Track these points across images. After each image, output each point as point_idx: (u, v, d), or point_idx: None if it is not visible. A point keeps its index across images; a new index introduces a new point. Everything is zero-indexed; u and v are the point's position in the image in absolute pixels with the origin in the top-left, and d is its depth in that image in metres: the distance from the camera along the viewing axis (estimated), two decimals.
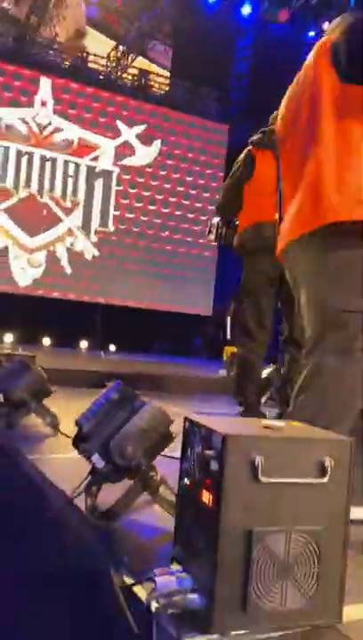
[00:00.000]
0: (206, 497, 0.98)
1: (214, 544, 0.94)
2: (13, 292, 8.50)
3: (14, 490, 1.89)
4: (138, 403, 1.51)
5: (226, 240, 3.42)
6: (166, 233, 9.64)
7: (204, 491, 0.99)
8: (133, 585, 1.05)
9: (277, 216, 1.75)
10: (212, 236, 3.50)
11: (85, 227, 9.10)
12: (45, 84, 8.88)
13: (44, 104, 8.84)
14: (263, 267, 3.12)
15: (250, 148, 3.38)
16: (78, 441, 1.56)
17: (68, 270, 8.93)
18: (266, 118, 3.33)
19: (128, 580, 1.09)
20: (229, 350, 6.95)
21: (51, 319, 8.45)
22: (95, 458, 1.46)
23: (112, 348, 9.04)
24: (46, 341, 8.68)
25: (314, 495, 0.98)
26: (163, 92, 9.98)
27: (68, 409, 2.95)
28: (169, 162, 9.73)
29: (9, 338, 8.12)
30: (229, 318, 8.02)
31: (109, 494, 1.50)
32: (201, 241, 9.73)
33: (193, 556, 1.02)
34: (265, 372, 4.98)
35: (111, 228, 9.29)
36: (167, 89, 10.12)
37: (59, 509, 1.50)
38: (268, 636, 0.95)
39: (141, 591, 1.04)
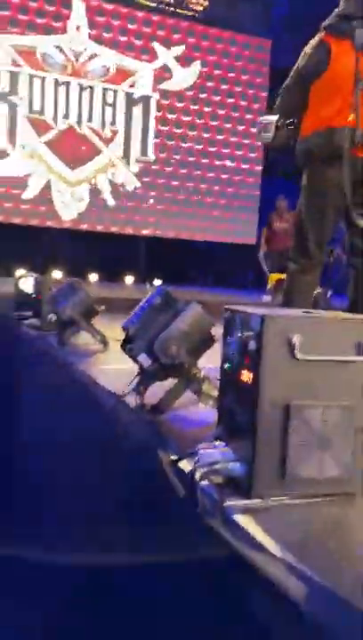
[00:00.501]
0: (246, 376, 1.03)
1: (254, 418, 1.00)
2: (58, 226, 8.59)
3: (69, 393, 2.02)
4: (180, 305, 1.56)
5: (285, 143, 2.88)
6: (207, 160, 9.41)
7: (243, 370, 1.04)
8: (179, 459, 1.13)
9: (351, 119, 1.53)
10: (268, 135, 2.89)
11: (126, 156, 8.97)
12: (79, 6, 8.55)
13: (78, 29, 8.55)
14: (333, 177, 2.63)
15: (322, 35, 2.77)
16: (125, 343, 1.64)
17: (111, 202, 8.91)
18: (310, 32, 2.95)
19: (174, 456, 1.18)
20: (274, 277, 6.91)
21: (96, 253, 8.54)
22: (141, 357, 1.54)
23: (157, 281, 9.11)
24: (93, 277, 8.82)
25: (350, 373, 1.01)
26: (201, 9, 9.43)
27: (115, 330, 3.05)
28: (209, 84, 9.34)
29: (57, 274, 8.30)
30: (261, 251, 8.06)
31: (157, 393, 1.58)
32: (244, 166, 9.46)
33: (235, 432, 1.08)
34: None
35: (152, 157, 9.12)
36: (206, 4, 9.56)
37: (110, 405, 1.60)
38: (305, 501, 1.02)
39: (186, 465, 1.12)
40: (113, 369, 2.20)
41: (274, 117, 2.87)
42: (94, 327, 2.83)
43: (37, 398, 2.65)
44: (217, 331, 1.61)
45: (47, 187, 8.50)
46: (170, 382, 1.59)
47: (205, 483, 1.02)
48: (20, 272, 8.12)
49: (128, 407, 1.59)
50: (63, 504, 1.92)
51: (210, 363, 1.60)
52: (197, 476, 1.00)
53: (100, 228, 8.75)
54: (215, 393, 1.57)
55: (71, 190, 8.63)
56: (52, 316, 2.85)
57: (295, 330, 0.98)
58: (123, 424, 1.46)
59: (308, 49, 2.81)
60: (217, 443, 1.11)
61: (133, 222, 8.94)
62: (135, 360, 1.59)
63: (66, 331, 2.79)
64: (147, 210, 8.91)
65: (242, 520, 0.94)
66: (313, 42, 2.79)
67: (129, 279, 8.99)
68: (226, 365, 1.13)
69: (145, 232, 8.92)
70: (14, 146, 8.32)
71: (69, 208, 8.68)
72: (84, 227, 8.68)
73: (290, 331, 0.97)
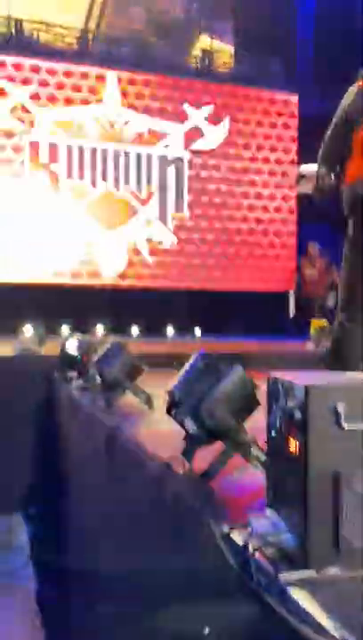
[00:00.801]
0: (293, 445, 1.04)
1: (304, 488, 0.99)
2: (100, 284, 8.86)
3: (115, 461, 2.04)
4: (224, 368, 1.58)
5: (328, 192, 2.83)
6: (241, 213, 9.61)
7: (290, 440, 1.05)
8: (231, 530, 1.13)
9: None
10: (307, 186, 2.89)
11: (162, 215, 9.27)
12: (112, 78, 9.10)
13: (112, 99, 9.08)
14: None
15: (361, 82, 2.81)
16: (171, 408, 1.66)
17: (150, 260, 9.16)
18: (335, 83, 3.04)
19: (226, 527, 1.17)
20: (316, 324, 6.87)
21: (137, 309, 8.72)
22: (187, 422, 1.56)
23: (198, 332, 9.17)
24: (134, 331, 8.97)
25: None
26: (227, 70, 9.87)
27: (160, 388, 3.09)
28: (239, 140, 9.65)
29: (100, 329, 8.50)
30: (292, 292, 8.09)
31: (205, 458, 1.59)
32: (278, 216, 9.60)
33: (285, 502, 1.08)
34: None
35: (186, 213, 9.39)
36: (231, 65, 10.01)
37: (157, 472, 1.61)
38: (360, 573, 0.99)
39: (238, 536, 1.12)
40: (159, 432, 2.22)
41: (314, 167, 2.85)
42: (139, 387, 2.88)
43: (84, 465, 2.68)
44: (262, 388, 1.62)
45: (89, 247, 8.84)
46: (217, 447, 1.60)
47: (258, 556, 1.02)
48: (64, 330, 8.37)
49: (176, 473, 1.60)
50: (111, 576, 1.91)
51: (256, 424, 1.60)
52: (251, 548, 1.00)
53: (139, 284, 8.97)
54: (263, 457, 1.56)
55: (111, 250, 8.94)
56: (98, 378, 2.92)
57: (340, 398, 0.99)
58: (171, 491, 1.47)
59: (347, 97, 2.82)
60: (269, 512, 1.11)
61: (172, 277, 9.13)
62: (182, 425, 1.61)
63: (111, 392, 2.84)
64: (184, 264, 9.11)
65: (297, 594, 0.93)
66: (353, 89, 2.82)
67: (170, 331, 9.10)
68: (272, 433, 1.14)
69: (183, 285, 9.08)
70: (56, 212, 8.75)
71: (110, 267, 8.96)
72: (125, 284, 8.93)
73: (335, 399, 0.98)
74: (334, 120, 2.89)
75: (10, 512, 4.30)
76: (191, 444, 1.61)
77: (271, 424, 1.15)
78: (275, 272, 9.58)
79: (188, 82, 9.41)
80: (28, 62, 8.66)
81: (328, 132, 2.93)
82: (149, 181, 9.13)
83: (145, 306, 8.69)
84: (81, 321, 8.27)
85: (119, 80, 9.05)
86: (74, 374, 3.77)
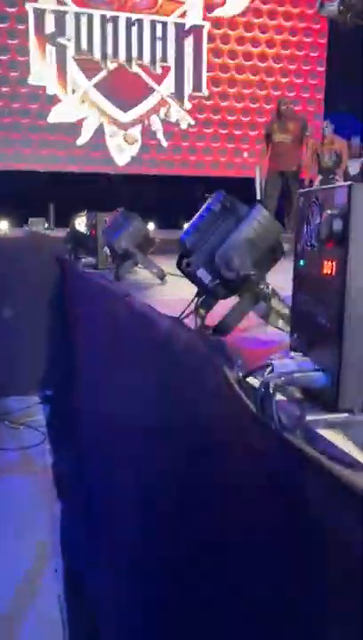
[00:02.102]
0: (328, 267, 0.84)
1: (340, 315, 0.81)
2: (113, 172, 8.43)
3: (124, 319, 1.90)
4: (243, 210, 1.37)
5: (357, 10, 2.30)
6: (265, 92, 8.85)
7: (325, 261, 0.85)
8: (249, 374, 0.97)
9: None
10: (331, 6, 2.27)
11: (178, 93, 8.59)
12: None
13: None
14: None
15: None
16: (181, 259, 1.47)
17: (165, 143, 8.62)
18: None
19: (243, 373, 1.02)
20: None
21: (151, 198, 8.35)
22: (200, 272, 1.37)
23: None
24: (150, 225, 8.66)
25: None
26: None
27: (172, 266, 2.90)
28: (265, 6, 8.68)
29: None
30: (258, 169, 6.52)
31: (219, 314, 1.42)
32: (304, 95, 8.84)
33: (315, 338, 0.91)
34: None
35: (205, 92, 8.69)
36: None
37: (168, 328, 1.46)
38: None
39: (256, 381, 0.97)
40: (171, 299, 2.05)
41: None
42: (151, 260, 2.69)
43: (96, 340, 2.57)
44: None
45: (100, 131, 8.30)
46: (233, 300, 1.43)
47: (280, 396, 0.86)
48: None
49: (188, 329, 1.44)
50: (125, 440, 1.84)
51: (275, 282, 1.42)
52: (272, 387, 0.84)
53: (154, 171, 8.52)
54: (286, 311, 1.39)
55: (124, 133, 8.40)
56: (106, 250, 2.73)
57: None
58: (182, 345, 1.32)
59: None
60: (293, 354, 0.94)
61: (189, 163, 8.64)
62: (194, 277, 1.43)
63: (121, 265, 2.66)
64: (202, 148, 8.57)
65: (329, 435, 0.78)
66: None
67: (185, 224, 8.77)
68: (300, 263, 0.95)
69: (200, 173, 8.60)
70: (65, 90, 8.13)
71: (123, 152, 8.47)
72: (139, 171, 8.48)
73: None
74: None
75: (26, 393, 4.35)
76: (204, 299, 1.44)
77: (300, 251, 0.95)
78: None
79: None
80: None
81: None
82: (164, 55, 8.36)
83: (159, 195, 8.31)
84: (93, 209, 7.97)
85: None
86: (84, 252, 3.60)
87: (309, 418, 0.83)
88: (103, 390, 2.42)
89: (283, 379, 0.85)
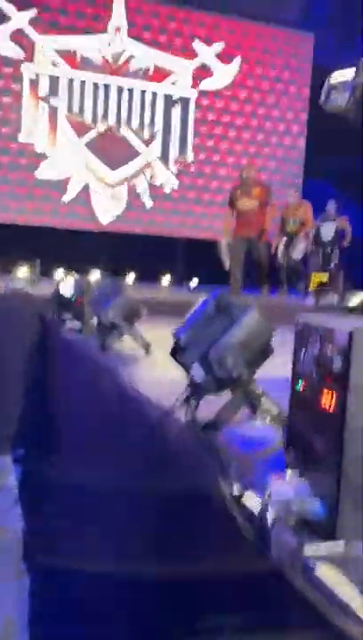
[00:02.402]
0: (327, 399, 0.88)
1: (339, 449, 0.84)
2: (96, 229, 8.57)
3: (112, 407, 1.90)
4: (237, 311, 1.42)
5: None
6: (247, 160, 9.24)
7: (324, 393, 0.89)
8: (245, 492, 0.99)
9: None
10: (339, 100, 2.14)
11: (164, 158, 8.89)
12: (118, 6, 8.52)
13: (117, 30, 8.52)
14: None
15: None
16: (176, 352, 1.50)
17: (149, 204, 8.84)
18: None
19: (238, 489, 1.03)
20: (317, 278, 6.68)
21: (134, 255, 8.49)
22: (194, 369, 1.40)
23: (195, 281, 8.99)
24: (130, 277, 8.78)
25: None
26: (241, 5, 9.26)
27: (158, 335, 2.94)
28: (249, 81, 9.18)
29: (94, 275, 8.29)
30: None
31: (209, 408, 1.44)
32: (284, 167, 9.24)
33: (312, 462, 0.93)
34: (358, 299, 4.73)
35: (190, 157, 9.02)
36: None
37: (157, 421, 1.47)
38: None
39: (252, 500, 0.98)
40: (157, 378, 2.07)
41: (350, 73, 2.04)
42: (137, 331, 2.72)
43: (77, 409, 2.55)
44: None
45: (86, 189, 8.50)
46: (223, 397, 1.45)
47: (278, 524, 0.88)
48: (59, 273, 8.15)
49: (178, 422, 1.45)
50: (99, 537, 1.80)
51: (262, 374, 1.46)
52: (270, 515, 0.85)
53: (138, 230, 8.69)
54: (275, 410, 1.42)
55: (110, 192, 8.61)
56: (94, 320, 2.75)
57: None
58: (173, 442, 1.33)
59: None
60: (289, 472, 0.96)
61: (171, 224, 8.85)
62: (187, 372, 1.45)
63: (108, 335, 2.68)
64: (185, 210, 8.81)
65: (324, 571, 0.79)
66: None
67: (166, 279, 8.93)
68: (299, 386, 0.98)
69: (183, 233, 8.80)
70: (54, 148, 8.35)
71: (108, 210, 8.65)
72: (123, 229, 8.64)
73: None
74: None
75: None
76: (196, 392, 1.46)
77: (297, 374, 0.99)
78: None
79: (199, 15, 8.84)
80: None
81: None
82: (152, 121, 8.71)
83: (141, 253, 8.46)
84: (76, 265, 8.05)
85: (126, 9, 8.47)
86: (68, 315, 3.61)
87: (307, 549, 0.84)
88: (85, 459, 2.39)
89: (281, 509, 0.87)
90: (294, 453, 1.00)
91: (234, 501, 1.00)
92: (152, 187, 8.86)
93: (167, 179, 8.92)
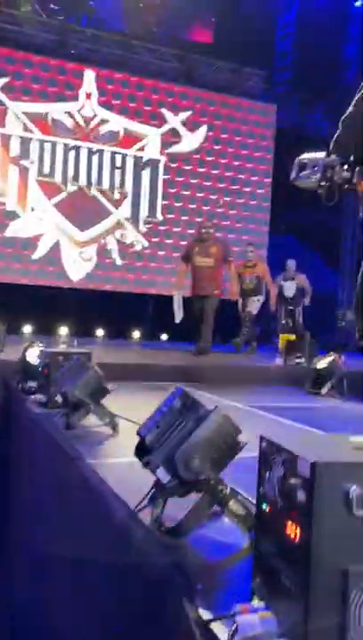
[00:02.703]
0: (292, 529, 0.86)
1: (305, 585, 0.82)
2: (67, 286, 8.57)
3: (74, 498, 1.84)
4: (203, 411, 1.41)
5: (337, 185, 2.26)
6: (215, 221, 9.47)
7: (289, 522, 0.87)
8: (211, 621, 0.95)
9: None
10: (309, 178, 2.28)
11: (134, 218, 9.06)
12: (89, 75, 8.85)
13: (88, 96, 8.81)
14: None
15: None
16: (141, 452, 1.47)
17: (119, 262, 8.93)
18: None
19: (203, 614, 0.99)
20: (285, 338, 6.75)
21: (104, 311, 8.50)
22: (160, 472, 1.37)
23: (164, 337, 9.02)
24: (100, 333, 8.76)
25: None
26: (207, 76, 9.75)
27: (126, 404, 2.90)
28: (216, 147, 9.54)
29: (64, 331, 8.25)
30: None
31: (175, 508, 1.41)
32: (251, 226, 9.52)
33: (278, 593, 0.91)
34: (325, 362, 4.79)
35: (160, 217, 9.21)
36: (211, 72, 9.90)
37: (121, 522, 1.42)
38: None
39: (219, 629, 0.94)
40: (124, 467, 2.02)
41: (319, 155, 2.30)
42: (104, 408, 2.67)
43: (37, 494, 2.46)
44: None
45: (56, 247, 8.53)
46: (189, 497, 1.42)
47: None
48: (26, 330, 8.04)
49: (143, 525, 1.41)
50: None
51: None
52: None
53: (108, 287, 8.72)
54: (242, 511, 1.39)
55: (80, 251, 8.66)
56: (59, 397, 2.71)
57: (352, 479, 0.82)
58: (137, 550, 1.28)
59: None
60: (256, 603, 0.94)
61: (141, 282, 8.92)
62: (153, 473, 1.42)
63: (73, 413, 2.63)
64: (155, 269, 8.91)
65: None
66: None
67: (136, 334, 8.93)
68: (264, 507, 0.97)
69: (152, 291, 8.86)
70: (25, 208, 8.42)
71: (78, 268, 8.68)
72: (92, 286, 8.65)
73: (346, 480, 0.82)
74: (353, 101, 2.35)
75: None
76: (162, 494, 1.43)
77: (263, 495, 0.98)
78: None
79: (167, 85, 9.23)
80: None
81: (346, 114, 2.37)
82: (122, 183, 8.90)
83: (111, 309, 8.47)
84: (44, 322, 8.00)
85: (97, 77, 8.80)
86: (33, 385, 3.54)
87: None
88: (44, 546, 2.28)
89: None
90: (260, 580, 0.97)
91: (199, 627, 0.96)
92: (122, 245, 8.97)
93: (137, 238, 9.05)
